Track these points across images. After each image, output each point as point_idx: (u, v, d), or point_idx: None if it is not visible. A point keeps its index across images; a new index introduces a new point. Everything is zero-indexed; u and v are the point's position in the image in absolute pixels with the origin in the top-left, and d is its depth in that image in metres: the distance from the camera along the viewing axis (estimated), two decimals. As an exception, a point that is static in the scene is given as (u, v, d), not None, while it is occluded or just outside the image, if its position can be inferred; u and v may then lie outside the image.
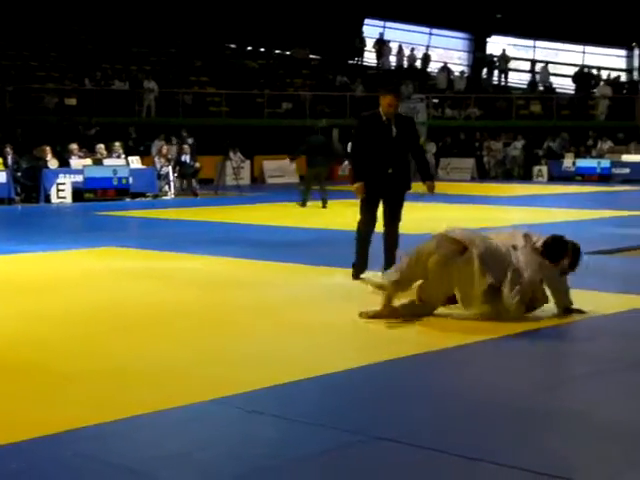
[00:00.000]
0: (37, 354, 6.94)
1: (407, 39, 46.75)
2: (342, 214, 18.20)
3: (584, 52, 47.65)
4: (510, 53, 45.45)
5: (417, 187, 10.50)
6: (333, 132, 20.49)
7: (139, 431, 5.24)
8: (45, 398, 5.80)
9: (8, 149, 23.48)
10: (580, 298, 9.11)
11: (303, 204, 20.81)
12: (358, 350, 7.24)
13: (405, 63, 44.54)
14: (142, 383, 6.15)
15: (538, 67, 45.60)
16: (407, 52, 44.87)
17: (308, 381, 6.16)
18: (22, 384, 6.14)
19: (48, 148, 23.66)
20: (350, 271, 10.36)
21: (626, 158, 33.99)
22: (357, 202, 10.47)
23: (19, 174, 22.84)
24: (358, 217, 10.41)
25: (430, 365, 6.76)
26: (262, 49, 42.94)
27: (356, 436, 5.07)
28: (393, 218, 10.27)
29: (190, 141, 27.21)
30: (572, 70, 44.61)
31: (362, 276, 10.08)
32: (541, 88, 43.67)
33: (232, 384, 6.05)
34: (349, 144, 13.59)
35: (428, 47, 46.68)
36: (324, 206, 20.37)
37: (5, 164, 22.63)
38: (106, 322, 8.12)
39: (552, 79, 44.19)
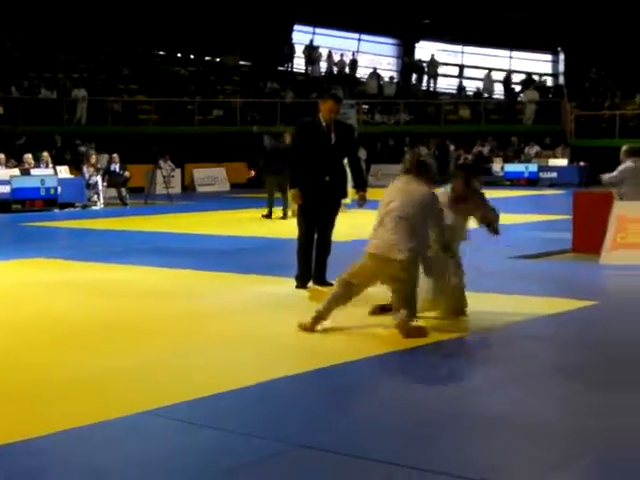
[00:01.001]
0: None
1: (336, 45, 46.91)
2: (281, 222, 18.38)
3: (511, 57, 48.29)
4: (439, 58, 45.86)
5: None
6: (285, 137, 19.87)
7: (71, 446, 5.21)
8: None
9: None
10: (504, 302, 9.28)
11: (269, 215, 19.53)
12: (288, 360, 7.27)
13: (335, 69, 44.70)
14: (72, 396, 6.12)
15: (480, 74, 45.93)
16: (336, 58, 45.04)
17: (241, 391, 6.20)
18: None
19: (-25, 159, 23.34)
20: (285, 280, 10.41)
21: (553, 162, 34.55)
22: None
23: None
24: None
25: (353, 374, 6.81)
26: (192, 56, 42.77)
27: (286, 445, 5.14)
28: (327, 225, 10.29)
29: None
30: (500, 75, 45.16)
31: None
32: (470, 93, 44.15)
33: (166, 395, 6.06)
34: None
35: (357, 52, 46.91)
36: (284, 217, 19.01)
37: None
38: (36, 334, 8.06)
39: (479, 84, 44.67)
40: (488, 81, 43.58)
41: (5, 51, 35.38)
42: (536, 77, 44.60)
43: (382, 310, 8.46)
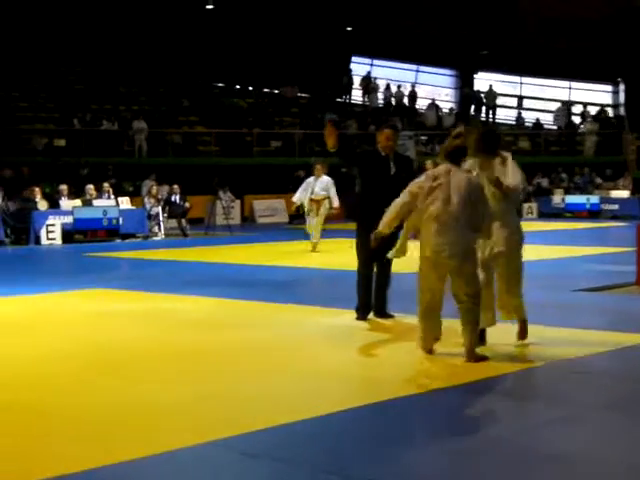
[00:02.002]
0: (26, 395, 6.93)
1: (394, 76, 47.01)
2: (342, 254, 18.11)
3: (570, 88, 47.99)
4: (497, 89, 45.73)
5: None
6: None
7: (133, 477, 5.21)
8: (35, 441, 5.78)
9: (-1, 192, 23.53)
10: (567, 335, 9.14)
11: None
12: (346, 392, 7.22)
13: (393, 100, 44.77)
14: (134, 426, 6.13)
15: (553, 106, 45.68)
16: (394, 89, 45.13)
17: (300, 423, 6.16)
18: (13, 425, 6.13)
19: (37, 189, 23.69)
20: (345, 311, 10.38)
21: (615, 194, 34.15)
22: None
23: (8, 216, 22.81)
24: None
25: (411, 408, 6.74)
26: (250, 88, 43.12)
27: (342, 477, 5.11)
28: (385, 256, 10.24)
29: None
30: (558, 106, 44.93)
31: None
32: (528, 124, 43.94)
33: (226, 426, 6.05)
34: None
35: (415, 84, 46.93)
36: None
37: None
38: (96, 364, 8.11)
39: (539, 115, 44.45)
40: (562, 114, 43.25)
41: (67, 84, 35.96)
42: (596, 108, 44.28)
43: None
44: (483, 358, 7.96)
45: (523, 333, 8.70)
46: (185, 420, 6.29)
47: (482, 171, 8.42)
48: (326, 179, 19.13)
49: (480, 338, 8.37)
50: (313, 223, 19.00)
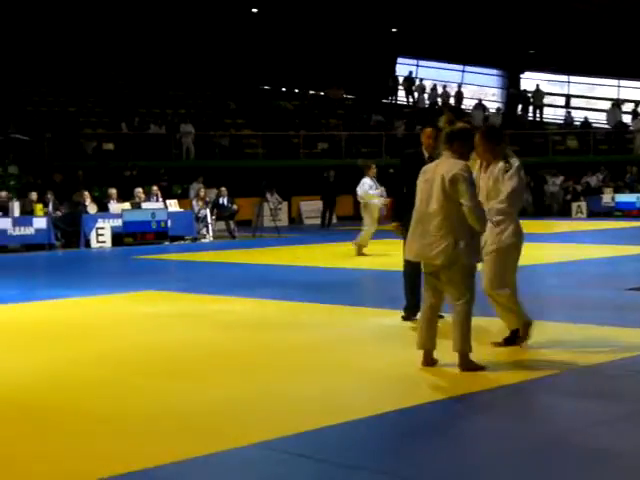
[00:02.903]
0: (79, 397, 6.98)
1: (440, 77, 46.87)
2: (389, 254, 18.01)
3: (619, 86, 47.50)
4: (544, 88, 45.38)
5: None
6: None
7: (180, 478, 5.23)
8: (81, 443, 5.81)
9: (49, 195, 23.72)
10: (617, 334, 9.02)
11: None
12: (396, 392, 7.17)
13: (439, 101, 44.62)
14: (184, 427, 6.13)
15: (602, 105, 45.27)
16: (440, 90, 44.99)
17: (351, 423, 6.14)
18: (63, 428, 6.16)
19: (87, 193, 23.89)
20: (394, 312, 10.33)
21: (666, 192, 33.73)
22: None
23: (59, 220, 23.03)
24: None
25: (462, 408, 6.69)
26: (296, 90, 43.21)
27: (391, 477, 5.08)
28: None
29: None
30: (608, 104, 44.48)
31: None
32: (577, 123, 43.57)
33: (278, 427, 6.04)
34: None
35: (461, 84, 46.73)
36: None
37: (45, 210, 22.84)
38: (148, 365, 8.15)
39: (588, 114, 44.05)
40: (613, 114, 42.80)
41: (116, 89, 36.27)
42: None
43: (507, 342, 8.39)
44: (477, 368, 7.57)
45: (509, 341, 8.48)
46: (237, 421, 6.30)
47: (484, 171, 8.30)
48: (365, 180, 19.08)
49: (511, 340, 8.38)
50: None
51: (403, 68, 46.66)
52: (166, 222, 23.70)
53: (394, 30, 43.23)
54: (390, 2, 38.64)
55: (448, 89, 45.25)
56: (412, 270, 9.99)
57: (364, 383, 7.36)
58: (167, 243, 23.51)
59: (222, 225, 25.65)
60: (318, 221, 31.49)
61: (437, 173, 7.53)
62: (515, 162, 8.33)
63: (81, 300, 12.73)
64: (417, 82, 45.66)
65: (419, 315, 8.05)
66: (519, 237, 8.35)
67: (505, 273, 8.31)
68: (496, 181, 8.29)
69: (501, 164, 8.30)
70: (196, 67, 39.06)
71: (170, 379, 7.59)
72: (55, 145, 30.97)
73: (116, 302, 12.56)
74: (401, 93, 45.79)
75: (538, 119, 44.58)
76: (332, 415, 6.30)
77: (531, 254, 17.41)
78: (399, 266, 10.41)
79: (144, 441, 5.87)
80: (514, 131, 40.05)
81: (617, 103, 43.97)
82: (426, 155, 10.01)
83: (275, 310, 11.43)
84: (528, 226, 17.39)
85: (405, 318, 10.11)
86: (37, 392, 7.24)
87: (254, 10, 39.26)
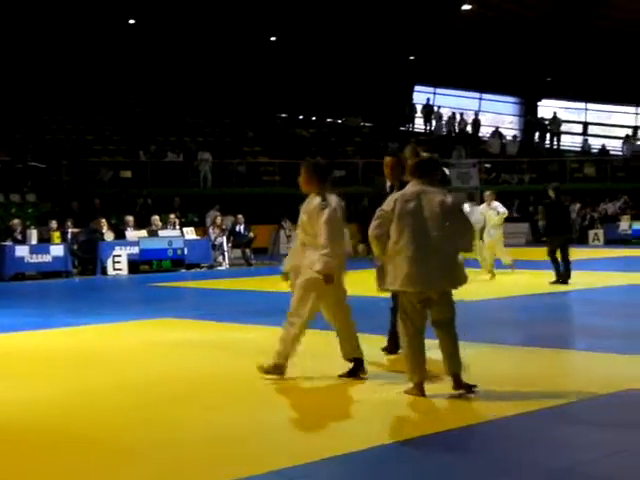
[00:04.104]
0: (97, 427, 6.93)
1: (457, 104, 46.91)
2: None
3: (637, 113, 47.42)
4: (561, 116, 45.33)
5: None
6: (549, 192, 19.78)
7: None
8: (107, 473, 5.77)
9: (69, 223, 23.78)
10: (636, 363, 8.93)
11: (560, 280, 17.30)
12: (420, 420, 7.10)
13: (456, 128, 44.62)
14: (205, 455, 6.08)
15: (619, 132, 45.15)
16: (458, 117, 44.99)
17: (352, 455, 6.07)
18: (84, 458, 6.12)
19: (104, 220, 23.95)
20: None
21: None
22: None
23: (76, 247, 23.07)
24: None
25: (495, 435, 6.62)
26: (314, 118, 43.28)
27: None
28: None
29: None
30: (625, 132, 44.40)
31: None
32: (594, 150, 43.49)
33: (287, 455, 5.99)
34: None
35: (478, 112, 46.72)
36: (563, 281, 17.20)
37: (63, 237, 22.89)
38: (166, 391, 8.13)
39: (605, 141, 43.98)
40: (630, 141, 42.70)
41: (134, 116, 36.41)
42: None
43: None
44: (471, 386, 7.62)
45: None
46: (244, 450, 6.23)
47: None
48: (496, 204, 19.74)
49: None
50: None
51: (420, 96, 46.69)
52: (183, 250, 23.71)
53: (411, 58, 43.33)
54: (407, 30, 38.76)
55: (465, 117, 45.26)
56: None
57: (382, 412, 7.29)
58: (183, 270, 23.51)
59: (238, 252, 25.64)
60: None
61: (429, 202, 7.53)
62: (332, 202, 8.34)
63: (98, 327, 12.72)
64: (435, 110, 45.68)
65: (406, 347, 7.79)
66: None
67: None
68: (310, 217, 8.38)
69: (317, 200, 8.38)
70: (214, 95, 39.17)
71: (188, 407, 7.54)
72: (73, 173, 31.09)
73: (133, 329, 12.53)
74: (418, 121, 45.82)
75: (555, 147, 44.50)
76: (342, 444, 6.22)
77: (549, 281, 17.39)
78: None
79: (161, 470, 5.82)
80: (531, 159, 40.03)
81: (634, 131, 43.89)
82: (388, 184, 9.72)
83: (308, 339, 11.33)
84: (545, 253, 17.40)
85: (389, 351, 9.90)
86: (53, 419, 7.21)
87: (272, 38, 39.42)
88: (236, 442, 6.43)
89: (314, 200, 8.43)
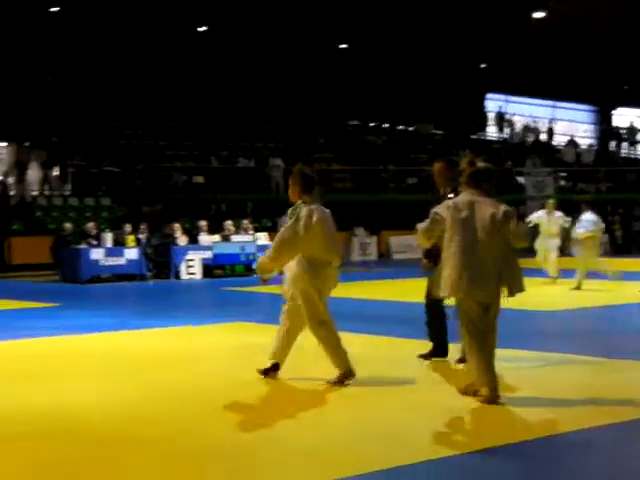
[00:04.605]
0: (173, 429, 6.92)
1: (530, 112, 46.49)
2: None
3: None
4: (638, 125, 44.67)
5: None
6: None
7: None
8: (188, 475, 5.75)
9: (143, 227, 23.98)
10: None
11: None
12: (492, 430, 6.98)
13: (530, 137, 44.22)
14: (278, 461, 6.04)
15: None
16: (531, 125, 44.59)
17: (432, 463, 5.97)
18: (163, 460, 6.10)
19: (177, 225, 24.11)
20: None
21: None
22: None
23: (150, 250, 23.26)
24: None
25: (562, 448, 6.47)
26: (385, 125, 43.20)
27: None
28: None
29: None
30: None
31: None
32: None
33: (367, 463, 5.89)
34: None
35: (552, 120, 46.25)
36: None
37: (137, 241, 23.09)
38: (239, 398, 8.08)
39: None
40: None
41: (205, 123, 36.67)
42: None
43: None
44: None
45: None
46: (314, 459, 6.16)
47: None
48: (558, 214, 19.71)
49: None
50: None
51: (492, 104, 46.38)
52: (255, 255, 23.72)
53: (483, 66, 43.05)
54: (479, 38, 38.51)
55: (539, 125, 44.83)
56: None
57: (442, 421, 7.18)
58: (256, 275, 23.50)
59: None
60: (407, 256, 31.27)
61: (482, 212, 7.59)
62: (303, 211, 8.47)
63: (172, 330, 12.77)
64: (507, 118, 45.33)
65: (476, 351, 7.70)
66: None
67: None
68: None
69: (291, 208, 8.63)
70: (285, 101, 39.32)
71: (262, 411, 7.52)
72: (146, 177, 31.39)
73: (207, 333, 12.57)
74: (490, 129, 45.51)
75: (632, 155, 43.86)
76: (414, 453, 6.15)
77: (617, 293, 17.10)
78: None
79: (240, 473, 5.79)
80: (607, 168, 39.45)
81: None
82: (441, 192, 9.54)
83: (364, 344, 11.26)
84: (623, 264, 17.10)
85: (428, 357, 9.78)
86: (127, 421, 7.21)
87: (343, 46, 39.44)
88: (324, 447, 6.38)
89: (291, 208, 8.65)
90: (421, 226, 7.86)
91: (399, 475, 5.67)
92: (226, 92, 38.38)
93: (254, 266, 8.67)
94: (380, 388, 8.45)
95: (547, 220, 19.60)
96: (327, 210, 8.74)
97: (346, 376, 8.46)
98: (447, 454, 6.11)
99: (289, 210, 8.67)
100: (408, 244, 31.35)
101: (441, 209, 7.74)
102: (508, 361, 9.23)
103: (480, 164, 7.90)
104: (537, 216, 19.89)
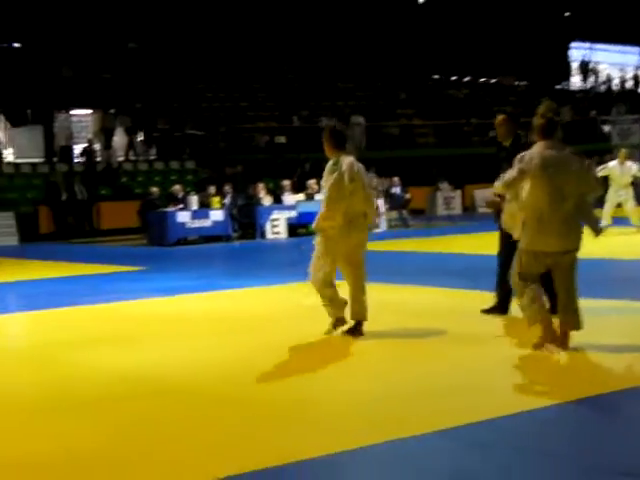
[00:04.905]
0: (256, 387, 7.04)
1: (616, 60, 45.49)
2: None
3: None
4: None
5: None
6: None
7: (366, 462, 5.16)
8: (257, 430, 5.83)
9: (227, 188, 24.14)
10: None
11: None
12: (579, 383, 6.93)
13: (615, 85, 43.30)
14: (356, 415, 6.09)
15: None
16: (617, 73, 43.65)
17: (535, 412, 5.96)
18: (239, 416, 6.21)
19: (261, 185, 24.23)
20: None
21: None
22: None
23: (235, 211, 23.43)
24: None
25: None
26: (467, 78, 42.72)
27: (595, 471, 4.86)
28: None
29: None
30: None
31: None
32: None
33: (450, 415, 5.92)
34: None
35: (639, 67, 45.22)
36: None
37: (222, 203, 23.27)
38: (321, 354, 8.15)
39: None
40: None
41: (286, 83, 36.68)
42: None
43: None
44: None
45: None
46: (405, 410, 6.20)
47: None
48: (630, 163, 19.52)
49: None
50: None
51: (576, 53, 45.50)
52: (339, 212, 23.77)
53: (567, 14, 42.21)
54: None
55: (624, 73, 43.87)
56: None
57: (542, 374, 7.17)
58: (342, 233, 23.55)
59: (395, 214, 25.57)
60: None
61: (566, 166, 7.57)
62: (344, 164, 8.61)
63: (257, 290, 12.86)
64: (592, 66, 44.45)
65: (530, 299, 7.73)
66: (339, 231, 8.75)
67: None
68: (325, 179, 8.75)
69: (330, 162, 8.71)
70: (365, 58, 39.10)
71: (344, 368, 7.56)
72: (229, 139, 31.56)
73: (292, 291, 12.62)
74: (574, 79, 44.69)
75: None
76: (504, 405, 6.15)
77: None
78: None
79: (314, 428, 5.85)
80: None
81: None
82: (503, 145, 9.51)
83: (451, 299, 11.24)
84: None
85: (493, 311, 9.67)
86: (210, 380, 7.32)
87: (421, 1, 39.03)
88: (399, 400, 6.41)
89: (329, 163, 8.81)
90: (507, 177, 7.80)
91: (490, 427, 5.67)
92: (307, 51, 38.31)
93: (313, 226, 8.68)
94: (453, 341, 8.42)
95: (620, 171, 19.25)
96: (361, 165, 8.89)
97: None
98: (536, 406, 6.07)
99: (328, 165, 8.75)
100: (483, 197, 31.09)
101: (525, 163, 7.66)
102: (595, 310, 9.13)
103: (547, 114, 7.84)
104: (609, 167, 19.52)
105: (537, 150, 7.71)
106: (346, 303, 8.85)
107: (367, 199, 8.85)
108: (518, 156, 7.74)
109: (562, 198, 7.52)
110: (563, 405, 6.08)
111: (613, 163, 19.66)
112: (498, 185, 7.96)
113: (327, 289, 8.78)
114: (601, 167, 19.54)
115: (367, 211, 8.85)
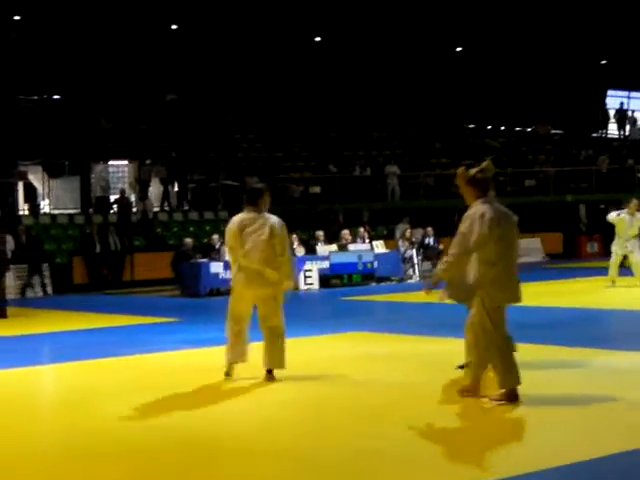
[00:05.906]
0: (291, 440, 6.95)
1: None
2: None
3: None
4: None
5: None
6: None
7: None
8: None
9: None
10: None
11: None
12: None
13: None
14: (421, 462, 5.99)
15: None
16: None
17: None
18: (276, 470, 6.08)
19: (295, 236, 24.17)
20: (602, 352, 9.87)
21: None
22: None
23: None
24: None
25: None
26: (502, 127, 42.69)
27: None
28: None
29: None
30: None
31: None
32: None
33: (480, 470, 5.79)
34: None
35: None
36: None
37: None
38: (357, 408, 8.02)
39: None
40: None
41: (321, 132, 36.81)
42: None
43: None
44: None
45: None
46: (441, 464, 6.04)
47: None
48: (639, 216, 19.16)
49: None
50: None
51: (614, 100, 45.35)
52: (372, 263, 23.70)
53: (603, 62, 42.17)
54: (599, 34, 37.73)
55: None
56: None
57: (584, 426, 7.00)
58: (374, 284, 23.48)
59: (429, 265, 25.41)
60: (526, 259, 30.75)
61: (513, 222, 8.19)
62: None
63: (291, 341, 12.73)
64: (629, 114, 44.27)
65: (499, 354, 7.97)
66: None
67: None
68: None
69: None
70: (400, 108, 39.19)
71: (383, 419, 7.45)
72: (264, 190, 31.59)
73: (328, 343, 12.57)
74: (612, 127, 44.50)
75: None
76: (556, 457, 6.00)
77: None
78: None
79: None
80: None
81: None
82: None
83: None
84: None
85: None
86: (254, 434, 7.25)
87: (458, 49, 39.15)
88: (454, 452, 6.31)
89: None
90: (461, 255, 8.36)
91: None
92: (342, 102, 38.47)
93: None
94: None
95: (629, 222, 18.96)
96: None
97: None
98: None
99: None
100: (528, 247, 30.88)
101: (483, 226, 7.97)
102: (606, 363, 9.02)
103: (472, 170, 7.90)
104: (618, 216, 19.17)
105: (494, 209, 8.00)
106: None
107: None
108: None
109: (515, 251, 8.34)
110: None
111: (622, 213, 19.25)
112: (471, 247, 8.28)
113: None
114: (616, 212, 19.29)
115: None
